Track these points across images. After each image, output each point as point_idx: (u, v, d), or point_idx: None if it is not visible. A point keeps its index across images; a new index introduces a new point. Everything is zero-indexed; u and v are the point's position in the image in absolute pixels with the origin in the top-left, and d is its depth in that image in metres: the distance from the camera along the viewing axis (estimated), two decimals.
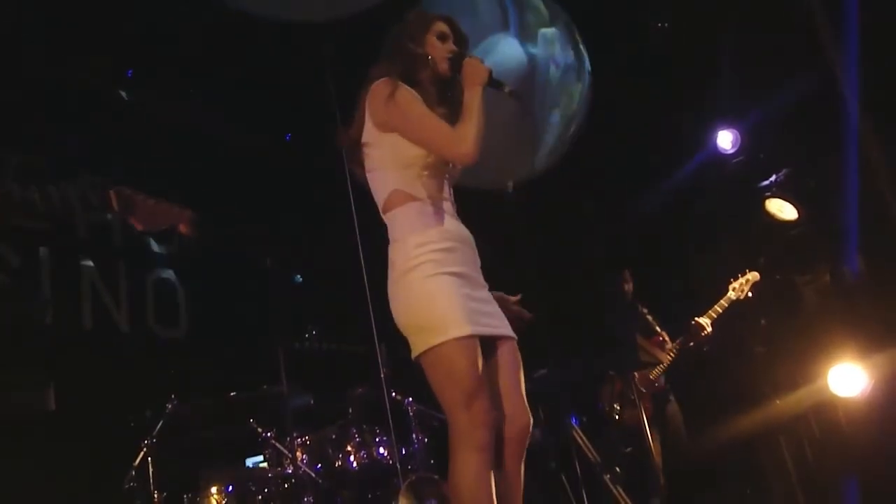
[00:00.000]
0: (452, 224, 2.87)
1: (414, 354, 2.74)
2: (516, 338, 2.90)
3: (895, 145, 5.05)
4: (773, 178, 6.09)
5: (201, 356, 5.68)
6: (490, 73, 2.94)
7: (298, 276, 5.69)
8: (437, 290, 2.69)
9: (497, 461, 2.70)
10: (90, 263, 5.52)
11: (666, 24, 6.37)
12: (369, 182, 2.94)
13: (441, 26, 3.04)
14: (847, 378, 5.40)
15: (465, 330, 2.65)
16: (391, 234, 2.85)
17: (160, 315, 5.84)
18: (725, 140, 6.41)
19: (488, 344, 2.78)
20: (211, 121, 6.13)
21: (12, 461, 4.34)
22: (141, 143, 5.84)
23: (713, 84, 6.24)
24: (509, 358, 2.85)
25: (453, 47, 3.02)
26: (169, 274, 6.04)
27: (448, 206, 2.90)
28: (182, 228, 2.56)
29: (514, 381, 2.83)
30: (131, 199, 2.44)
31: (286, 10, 4.41)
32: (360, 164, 2.95)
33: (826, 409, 5.72)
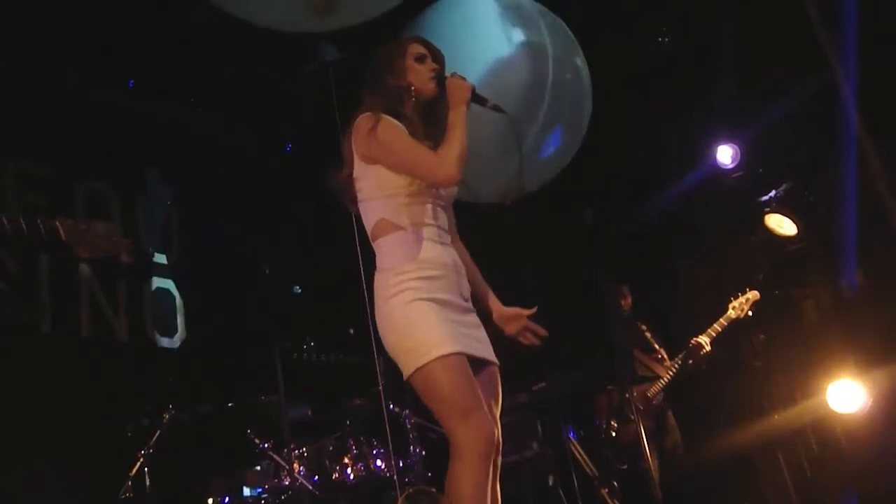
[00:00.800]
0: (435, 252, 2.91)
1: (405, 377, 2.81)
2: (498, 363, 2.96)
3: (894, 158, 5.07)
4: (772, 193, 6.09)
5: (199, 366, 5.66)
6: (473, 89, 2.99)
7: (297, 287, 5.69)
8: (417, 313, 2.77)
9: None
10: (88, 271, 5.51)
11: (666, 39, 6.38)
12: (361, 213, 3.01)
13: (416, 48, 3.10)
14: (846, 394, 5.39)
15: (448, 348, 2.71)
16: (377, 263, 2.93)
17: (158, 324, 5.83)
18: (725, 155, 6.41)
19: (473, 365, 2.82)
20: (211, 130, 6.14)
21: (9, 470, 4.33)
22: (140, 151, 5.85)
23: (713, 98, 6.25)
24: (489, 382, 2.91)
25: (433, 65, 3.07)
26: (167, 283, 6.03)
27: (434, 232, 2.94)
28: (123, 257, 2.81)
29: (491, 404, 2.87)
30: (74, 228, 2.61)
31: (288, 21, 4.41)
32: (353, 200, 3.02)
33: (825, 425, 5.71)
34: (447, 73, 3.06)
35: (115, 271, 5.69)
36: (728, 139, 6.40)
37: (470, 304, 2.96)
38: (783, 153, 6.21)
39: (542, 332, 3.10)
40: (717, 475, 6.28)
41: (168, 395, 4.79)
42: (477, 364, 2.86)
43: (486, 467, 2.66)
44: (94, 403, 4.98)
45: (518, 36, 4.62)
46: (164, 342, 5.84)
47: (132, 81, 5.71)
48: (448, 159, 2.84)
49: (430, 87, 3.02)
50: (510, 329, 3.13)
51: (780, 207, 6.02)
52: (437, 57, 3.12)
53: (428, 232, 2.91)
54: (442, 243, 2.95)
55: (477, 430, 2.65)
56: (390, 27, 4.35)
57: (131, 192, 5.90)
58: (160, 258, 6.05)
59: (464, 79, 3.01)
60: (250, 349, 5.28)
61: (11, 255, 5.04)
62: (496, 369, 2.96)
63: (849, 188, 5.23)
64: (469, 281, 3.03)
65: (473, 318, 2.95)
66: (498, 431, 2.83)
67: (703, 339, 5.74)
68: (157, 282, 5.97)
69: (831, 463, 5.72)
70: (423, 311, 2.77)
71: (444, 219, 3.01)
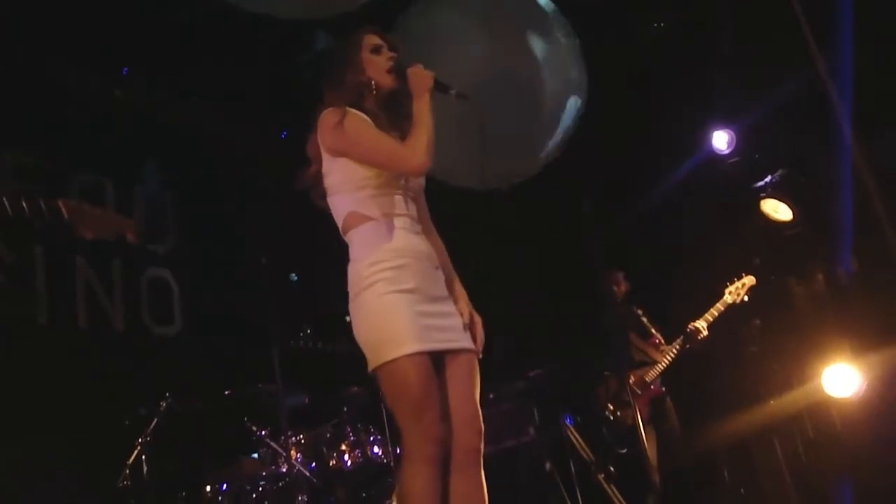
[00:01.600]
0: (407, 240, 2.92)
1: (369, 369, 2.84)
2: (475, 349, 2.97)
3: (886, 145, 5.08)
4: (768, 178, 6.10)
5: (196, 355, 5.66)
6: (434, 77, 2.99)
7: (294, 275, 5.68)
8: (386, 309, 2.79)
9: (456, 468, 2.79)
10: (85, 261, 5.51)
11: (661, 24, 6.37)
12: (331, 207, 3.02)
13: (371, 39, 3.09)
14: (841, 379, 5.41)
15: (414, 347, 2.74)
16: (350, 255, 2.94)
17: (155, 314, 5.82)
18: (721, 140, 6.41)
19: (444, 357, 2.86)
20: (207, 119, 6.12)
21: (6, 460, 4.33)
22: (134, 140, 5.83)
23: (709, 84, 6.24)
24: (464, 369, 2.92)
25: (390, 54, 3.07)
26: (164, 272, 6.02)
27: (405, 221, 2.95)
28: (129, 236, 2.73)
29: (467, 391, 2.90)
30: (78, 209, 2.58)
31: (283, 7, 4.40)
32: (322, 195, 3.02)
33: (820, 410, 5.73)
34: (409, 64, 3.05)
35: (112, 261, 5.69)
36: (724, 125, 6.40)
37: (444, 292, 2.96)
38: (779, 139, 6.21)
39: (479, 342, 3.03)
40: (714, 461, 6.31)
41: (165, 383, 4.79)
42: (451, 354, 2.88)
43: (432, 469, 2.71)
44: (91, 393, 4.98)
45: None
46: (161, 331, 5.83)
47: (126, 69, 5.68)
48: (416, 148, 2.86)
49: (388, 79, 3.02)
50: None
51: (776, 193, 6.02)
52: (394, 46, 3.11)
53: (399, 221, 2.92)
54: (414, 232, 2.96)
55: (426, 432, 2.71)
56: (383, 14, 4.35)
57: (127, 181, 5.89)
58: (156, 247, 6.04)
59: (424, 68, 3.01)
60: (247, 337, 5.28)
61: (8, 245, 5.04)
62: (473, 356, 2.97)
63: (844, 174, 5.24)
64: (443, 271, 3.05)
65: (447, 307, 2.95)
66: (479, 417, 2.87)
67: (701, 324, 5.76)
68: (154, 271, 5.97)
69: (827, 448, 5.74)
70: (393, 305, 2.78)
71: (413, 209, 3.01)
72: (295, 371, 4.92)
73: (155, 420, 4.53)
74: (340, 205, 2.96)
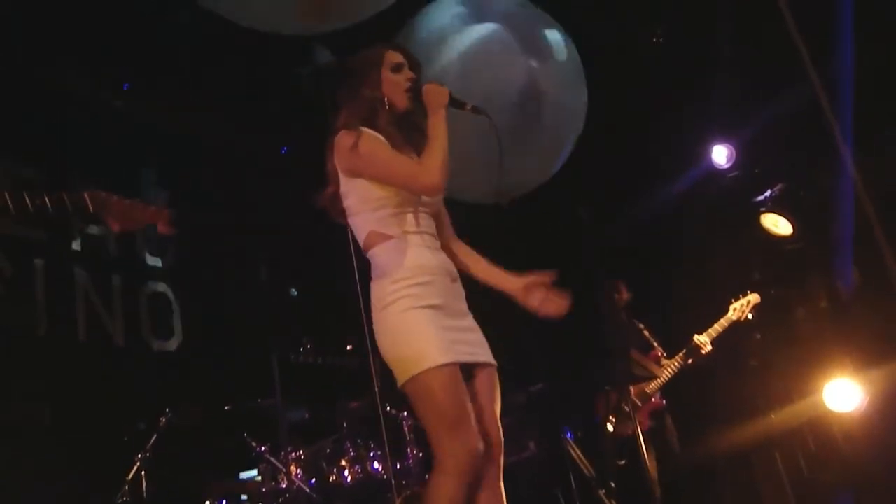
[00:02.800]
0: (428, 257, 2.94)
1: (398, 385, 2.85)
2: (496, 364, 2.98)
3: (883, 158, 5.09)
4: (768, 192, 6.10)
5: (196, 369, 5.66)
6: (450, 94, 3.00)
7: (294, 290, 5.68)
8: (412, 323, 2.80)
9: (479, 483, 2.78)
10: (85, 275, 5.50)
11: (661, 39, 6.38)
12: (351, 226, 3.04)
13: (393, 56, 3.10)
14: (842, 393, 5.40)
15: (442, 359, 2.74)
16: (372, 273, 2.96)
17: (155, 328, 5.82)
18: (720, 155, 6.42)
19: (467, 370, 2.86)
20: (207, 132, 6.13)
21: (6, 474, 4.32)
22: (133, 153, 5.84)
23: (708, 98, 6.25)
24: (486, 384, 2.93)
25: (410, 74, 3.08)
26: (163, 286, 6.02)
27: (425, 238, 2.97)
28: (160, 227, 2.62)
29: (490, 406, 2.91)
30: (106, 200, 2.50)
31: (285, 23, 4.41)
32: (341, 214, 3.05)
33: (821, 424, 5.72)
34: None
35: (112, 275, 5.69)
36: (724, 139, 6.40)
37: (465, 307, 2.99)
38: (779, 153, 6.22)
39: (565, 298, 3.11)
40: (715, 474, 6.28)
41: (165, 398, 4.77)
42: (474, 368, 2.89)
43: (465, 483, 2.70)
44: (90, 407, 4.97)
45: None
46: (161, 345, 5.82)
47: (127, 84, 5.69)
48: (430, 168, 2.87)
49: (404, 99, 3.03)
50: (533, 301, 3.11)
51: (776, 207, 6.03)
52: (414, 65, 3.12)
53: (418, 239, 2.94)
54: (433, 249, 2.98)
55: (462, 444, 2.69)
56: (384, 28, 4.36)
57: (126, 194, 5.87)
58: (156, 261, 6.04)
59: (440, 85, 3.02)
60: (247, 352, 5.27)
61: (8, 258, 5.04)
62: (494, 370, 2.98)
63: (845, 187, 5.24)
64: (480, 272, 3.12)
65: (468, 322, 2.98)
66: (499, 431, 2.88)
67: (704, 339, 5.75)
68: (154, 285, 5.96)
69: (828, 462, 5.73)
70: (418, 320, 2.80)
71: (431, 225, 3.03)
72: (295, 386, 4.91)
73: (154, 435, 4.51)
74: (361, 225, 2.98)
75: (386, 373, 4.73)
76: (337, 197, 3.01)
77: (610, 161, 6.60)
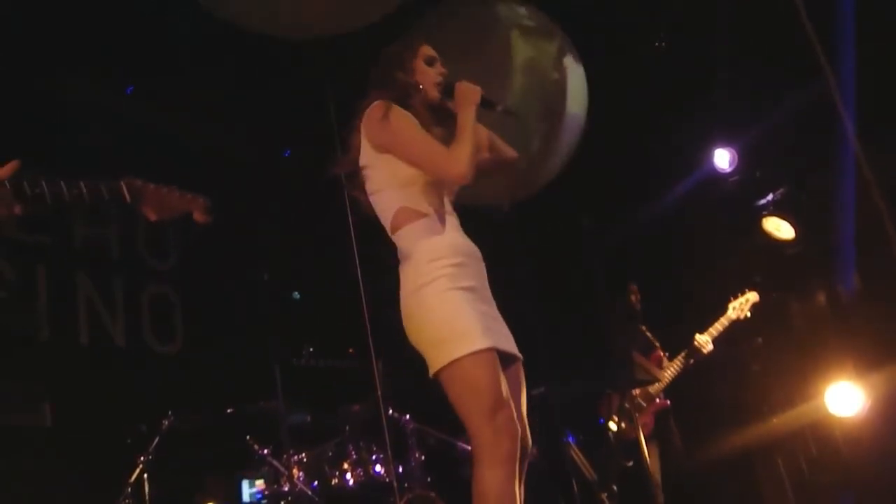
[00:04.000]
0: (461, 238, 2.90)
1: (433, 370, 2.73)
2: (521, 358, 2.92)
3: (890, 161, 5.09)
4: (770, 196, 6.10)
5: (198, 372, 5.66)
6: (481, 93, 2.98)
7: (296, 293, 5.69)
8: (453, 304, 2.70)
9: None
10: (86, 278, 5.51)
11: (664, 43, 6.39)
12: (373, 204, 2.97)
13: (427, 50, 3.10)
14: (844, 397, 5.40)
15: (485, 342, 2.66)
16: (402, 253, 2.87)
17: (157, 330, 5.82)
18: (722, 158, 6.41)
19: (503, 360, 2.78)
20: (210, 135, 6.14)
21: (8, 477, 4.33)
22: (137, 157, 5.84)
23: (711, 102, 6.26)
24: (515, 378, 2.86)
25: (442, 69, 3.09)
26: (165, 289, 6.03)
27: (454, 220, 2.93)
28: (196, 216, 2.53)
29: (518, 401, 2.83)
30: (142, 188, 2.42)
31: (286, 26, 4.42)
32: (362, 188, 2.98)
33: (823, 428, 5.72)
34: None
35: (114, 278, 5.69)
36: (726, 143, 6.40)
37: (491, 297, 2.91)
38: (781, 157, 6.22)
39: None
40: (717, 479, 6.28)
41: (167, 401, 4.78)
42: (504, 359, 2.80)
43: (512, 469, 2.62)
44: (92, 410, 4.98)
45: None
46: (163, 348, 5.83)
47: (131, 88, 5.70)
48: (461, 157, 2.81)
49: (433, 93, 3.02)
50: None
51: (778, 211, 6.02)
52: (444, 63, 3.12)
53: (451, 219, 2.90)
54: (462, 232, 2.93)
55: (503, 430, 2.62)
56: (388, 33, 4.37)
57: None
58: (158, 264, 6.05)
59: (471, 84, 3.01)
60: (249, 355, 5.28)
61: (10, 261, 5.05)
62: (521, 364, 2.93)
63: (847, 191, 5.25)
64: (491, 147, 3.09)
65: (497, 312, 2.90)
66: (527, 430, 2.82)
67: (705, 338, 5.74)
68: (156, 287, 5.97)
69: (830, 466, 5.72)
70: (458, 301, 2.71)
71: (453, 209, 2.99)
72: (297, 389, 4.91)
73: (156, 438, 4.52)
74: (388, 201, 2.91)
75: (388, 375, 4.77)
76: (357, 169, 2.96)
77: (612, 164, 6.60)
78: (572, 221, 5.80)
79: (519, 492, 2.76)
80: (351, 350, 5.16)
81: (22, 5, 4.77)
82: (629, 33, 6.30)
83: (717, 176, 6.48)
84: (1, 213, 2.08)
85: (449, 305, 2.71)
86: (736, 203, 6.43)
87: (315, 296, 5.96)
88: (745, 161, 6.36)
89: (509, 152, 3.21)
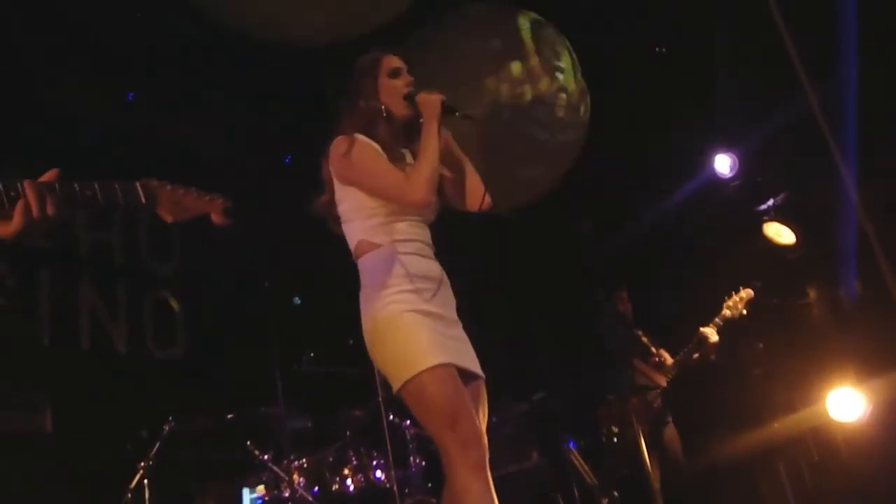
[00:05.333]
0: (420, 265, 2.92)
1: (394, 389, 2.81)
2: (483, 377, 2.96)
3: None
4: (770, 202, 6.10)
5: (199, 377, 5.66)
6: (442, 101, 2.99)
7: (297, 299, 5.69)
8: (402, 326, 2.78)
9: None
10: (89, 283, 5.52)
11: (664, 49, 6.40)
12: (345, 235, 3.03)
13: (391, 61, 3.10)
14: (846, 402, 5.40)
15: (437, 359, 2.72)
16: (362, 281, 2.94)
17: (158, 336, 5.83)
18: (723, 164, 6.42)
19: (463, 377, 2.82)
20: (210, 142, 6.14)
21: (8, 482, 4.32)
22: (139, 163, 5.84)
23: (711, 107, 6.26)
24: (475, 396, 2.89)
25: (408, 79, 3.08)
26: (167, 294, 6.03)
27: (416, 246, 2.95)
28: (214, 218, 2.48)
29: (480, 414, 2.87)
30: (158, 189, 2.36)
31: (288, 34, 4.43)
32: (337, 221, 3.04)
33: (825, 433, 5.71)
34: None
35: (116, 283, 5.70)
36: (727, 148, 6.41)
37: (456, 317, 2.97)
38: (782, 162, 6.22)
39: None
40: (718, 484, 6.27)
41: (167, 406, 4.78)
42: (464, 377, 2.84)
43: (486, 475, 2.65)
44: (93, 415, 4.97)
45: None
46: (164, 354, 5.83)
47: (132, 94, 5.71)
48: (417, 183, 2.85)
49: (402, 106, 3.03)
50: None
51: (779, 216, 6.03)
52: (411, 70, 3.13)
53: (408, 247, 2.92)
54: (425, 256, 2.96)
55: (466, 438, 2.66)
56: (390, 37, 4.38)
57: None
58: (160, 270, 6.05)
59: (432, 92, 3.02)
60: (250, 361, 5.28)
61: (12, 267, 5.05)
62: (482, 383, 2.96)
63: (847, 197, 5.24)
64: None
65: (460, 332, 2.95)
66: (485, 444, 2.80)
67: (710, 330, 5.72)
68: (157, 293, 5.97)
69: (831, 471, 5.72)
70: (410, 322, 2.77)
71: (426, 233, 3.02)
72: (298, 394, 4.91)
73: (157, 443, 4.52)
74: (351, 232, 2.98)
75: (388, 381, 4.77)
76: (332, 204, 3.01)
77: (612, 170, 6.61)
78: (572, 227, 5.81)
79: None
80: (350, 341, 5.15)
81: (22, 8, 4.79)
82: (631, 39, 6.30)
83: (718, 181, 6.48)
84: (51, 216, 2.04)
85: (401, 328, 2.77)
86: (737, 208, 6.43)
87: (316, 301, 5.96)
88: (745, 166, 6.37)
89: (475, 186, 3.18)
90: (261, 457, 4.82)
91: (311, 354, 5.17)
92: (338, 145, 2.93)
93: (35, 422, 4.74)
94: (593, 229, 5.13)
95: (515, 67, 4.74)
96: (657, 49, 6.40)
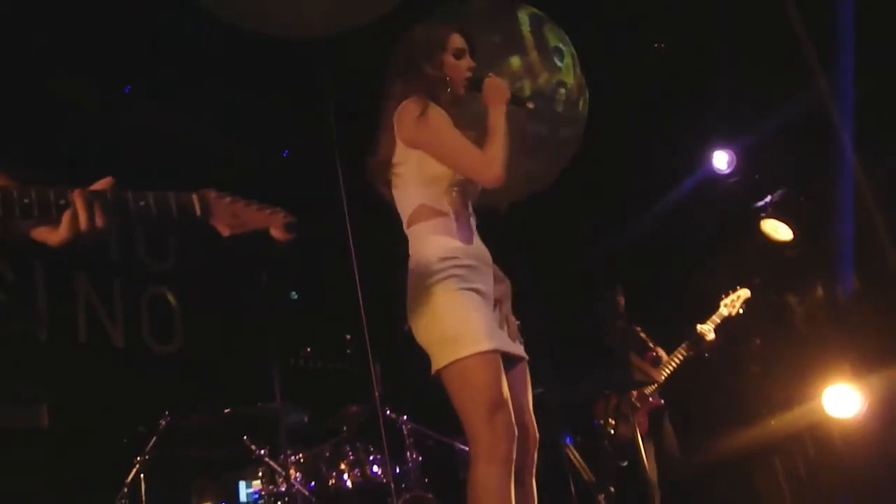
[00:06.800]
0: (476, 242, 2.90)
1: (435, 367, 2.75)
2: (527, 358, 2.96)
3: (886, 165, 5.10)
4: (768, 198, 6.10)
5: (196, 372, 5.66)
6: (512, 91, 3.00)
7: (294, 293, 5.68)
8: (461, 304, 2.72)
9: (515, 477, 2.72)
10: (85, 278, 5.51)
11: (663, 45, 6.39)
12: (395, 198, 2.97)
13: (457, 41, 3.06)
14: (842, 399, 5.40)
15: (489, 344, 2.68)
16: (413, 248, 2.88)
17: (155, 331, 5.82)
18: (721, 160, 6.42)
19: (504, 362, 2.81)
20: (207, 135, 6.13)
21: (4, 477, 4.32)
22: (133, 157, 5.83)
23: (709, 104, 6.26)
24: (521, 377, 2.90)
25: (471, 63, 3.06)
26: (164, 289, 6.02)
27: (472, 223, 2.94)
28: (274, 233, 2.32)
29: (524, 400, 2.89)
30: (216, 201, 2.21)
31: (284, 26, 4.42)
32: (387, 182, 2.98)
33: (821, 430, 5.72)
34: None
35: (113, 278, 5.69)
36: (724, 144, 6.41)
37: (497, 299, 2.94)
38: (779, 159, 6.23)
39: None
40: (714, 480, 6.28)
41: (164, 401, 4.77)
42: (511, 359, 2.84)
43: (508, 469, 2.64)
44: (90, 410, 4.97)
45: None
46: (161, 349, 5.83)
47: (128, 87, 5.70)
48: (495, 159, 2.82)
49: (460, 89, 3.01)
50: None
51: (776, 213, 6.03)
52: (475, 52, 3.09)
53: (469, 222, 2.90)
54: (477, 236, 2.94)
55: (501, 430, 2.64)
56: (387, 31, 4.37)
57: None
58: (157, 265, 6.04)
59: (496, 77, 3.02)
60: (247, 356, 5.27)
61: (9, 262, 5.04)
62: (525, 364, 2.96)
63: (844, 193, 5.25)
64: None
65: (502, 315, 2.92)
66: (534, 424, 2.86)
67: (707, 328, 5.75)
68: (154, 288, 5.97)
69: (828, 468, 5.73)
70: (467, 301, 2.73)
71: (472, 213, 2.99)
72: (295, 389, 4.91)
73: (154, 438, 4.51)
74: (409, 197, 2.91)
75: (385, 376, 4.77)
76: (387, 166, 2.94)
77: (611, 166, 6.61)
78: (571, 223, 5.81)
79: (532, 485, 2.82)
80: (349, 350, 5.15)
81: (20, 4, 4.78)
82: (629, 35, 6.30)
83: (716, 177, 6.49)
84: (100, 228, 1.95)
85: (457, 305, 2.72)
86: (734, 205, 6.43)
87: (313, 296, 5.95)
88: (743, 163, 6.37)
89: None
90: (257, 452, 4.81)
91: (309, 349, 5.16)
92: (411, 106, 2.86)
93: (32, 417, 4.74)
94: (592, 225, 5.14)
95: (514, 62, 4.71)
96: (656, 45, 6.39)
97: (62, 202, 1.92)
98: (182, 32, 5.27)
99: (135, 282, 5.82)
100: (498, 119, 2.89)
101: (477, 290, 2.77)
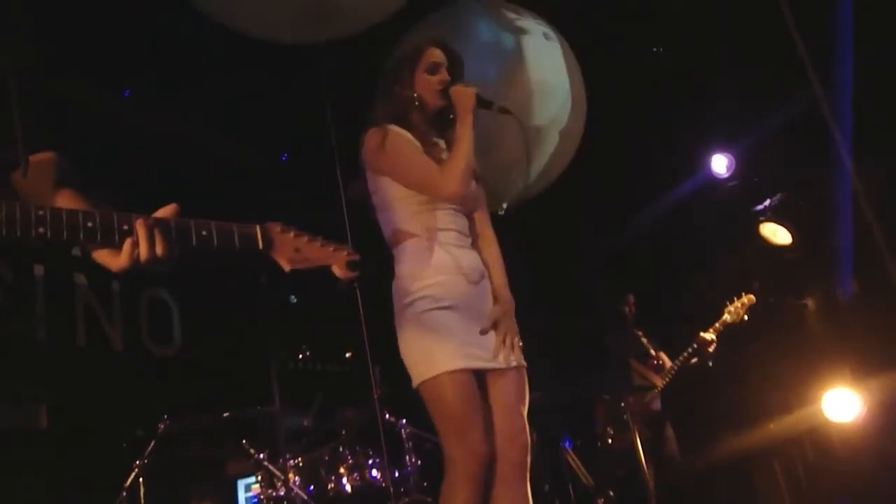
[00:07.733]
0: (450, 256, 2.90)
1: (413, 385, 2.84)
2: (523, 365, 2.96)
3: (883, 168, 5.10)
4: (767, 202, 6.11)
5: (194, 375, 5.65)
6: (476, 95, 2.99)
7: (293, 297, 5.67)
8: (428, 326, 2.78)
9: (501, 483, 2.78)
10: (84, 281, 5.50)
11: (661, 49, 6.39)
12: (379, 223, 3.05)
13: (433, 55, 3.08)
14: (841, 403, 5.40)
15: (454, 364, 2.73)
16: (395, 271, 2.96)
17: (154, 334, 5.81)
18: (720, 164, 6.43)
19: (486, 373, 2.85)
20: (206, 139, 6.13)
21: (2, 479, 4.31)
22: (132, 161, 5.83)
23: (708, 108, 6.26)
24: (510, 383, 2.90)
25: (445, 76, 3.07)
26: (163, 292, 6.02)
27: (450, 236, 2.94)
28: (337, 272, 2.27)
29: (513, 404, 2.89)
30: (280, 237, 2.18)
31: (283, 32, 4.42)
32: (372, 208, 3.06)
33: (820, 434, 5.72)
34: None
35: (112, 280, 5.68)
36: (723, 148, 6.41)
37: (487, 309, 2.94)
38: (778, 162, 6.23)
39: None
40: (714, 484, 6.28)
41: (163, 404, 4.77)
42: (493, 372, 2.86)
43: (475, 487, 2.69)
44: (88, 413, 4.96)
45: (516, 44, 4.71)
46: (160, 351, 5.82)
47: (128, 92, 5.69)
48: (451, 175, 2.86)
49: (436, 99, 3.03)
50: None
51: (775, 216, 6.03)
52: (454, 63, 3.11)
53: (444, 237, 2.91)
54: (459, 246, 2.94)
55: (469, 450, 2.69)
56: (388, 36, 4.37)
57: (126, 202, 5.87)
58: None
59: (468, 85, 3.02)
60: (246, 359, 5.27)
61: (7, 264, 5.03)
62: (521, 371, 2.96)
63: (843, 197, 5.25)
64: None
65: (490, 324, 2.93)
66: (526, 432, 2.88)
67: (710, 336, 5.74)
68: (153, 290, 5.96)
69: (827, 471, 5.72)
70: (437, 322, 2.78)
71: (462, 223, 3.00)
72: (293, 393, 4.90)
73: (153, 441, 4.50)
74: (386, 222, 3.00)
75: (385, 380, 4.76)
76: (366, 193, 3.03)
77: (610, 170, 6.60)
78: (570, 227, 5.80)
79: (525, 493, 2.86)
80: (348, 354, 5.15)
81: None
82: (628, 39, 6.30)
83: (715, 181, 6.49)
84: (160, 257, 1.94)
85: (425, 327, 2.79)
86: (733, 208, 6.43)
87: (312, 299, 5.94)
88: (742, 166, 6.37)
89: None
90: (256, 455, 4.80)
91: (308, 352, 5.16)
92: (371, 137, 2.95)
93: (30, 418, 4.73)
94: (591, 228, 5.14)
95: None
96: (655, 48, 6.39)
97: (125, 227, 1.92)
98: (180, 36, 5.26)
99: (133, 284, 5.81)
100: (462, 130, 2.93)
101: (450, 307, 2.80)
